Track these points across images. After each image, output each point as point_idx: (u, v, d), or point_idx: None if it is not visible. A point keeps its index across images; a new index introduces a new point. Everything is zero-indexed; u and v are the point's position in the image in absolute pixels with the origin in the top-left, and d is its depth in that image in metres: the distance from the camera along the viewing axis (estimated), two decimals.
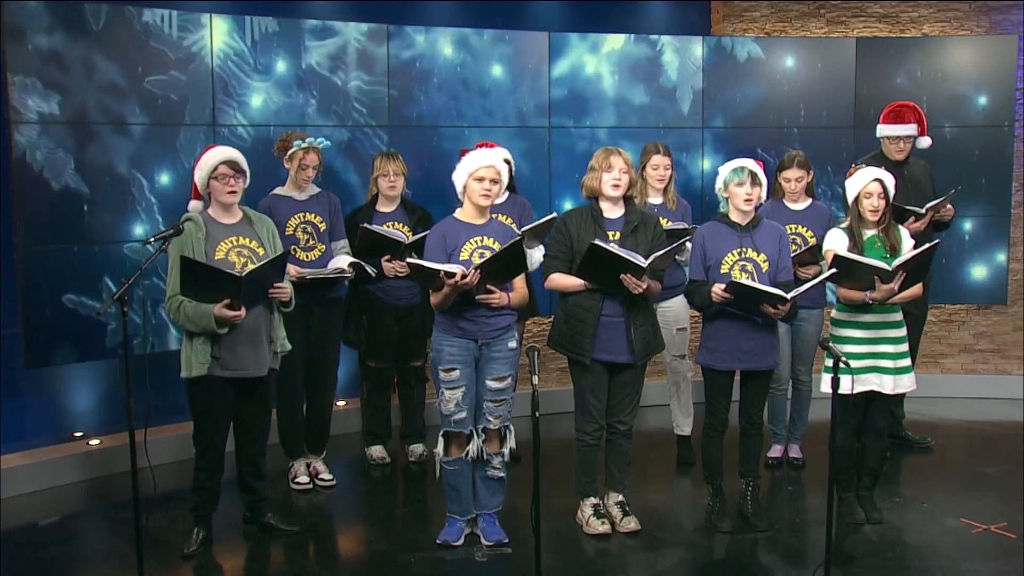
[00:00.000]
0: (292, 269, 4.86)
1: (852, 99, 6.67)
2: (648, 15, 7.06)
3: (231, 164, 4.20)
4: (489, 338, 4.25)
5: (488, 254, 4.16)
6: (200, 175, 4.23)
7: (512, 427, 4.39)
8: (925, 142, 5.62)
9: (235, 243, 4.19)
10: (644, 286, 4.21)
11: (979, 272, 6.72)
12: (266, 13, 5.72)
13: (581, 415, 4.47)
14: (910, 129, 5.50)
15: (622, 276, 4.17)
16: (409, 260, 4.27)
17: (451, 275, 4.01)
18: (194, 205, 4.39)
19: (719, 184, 4.48)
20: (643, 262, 4.15)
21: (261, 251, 4.23)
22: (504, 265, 4.14)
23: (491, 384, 4.28)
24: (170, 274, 4.12)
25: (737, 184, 4.37)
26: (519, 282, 4.31)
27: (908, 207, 5.23)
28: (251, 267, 4.09)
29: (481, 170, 4.19)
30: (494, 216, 4.46)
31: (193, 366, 4.12)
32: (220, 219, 4.22)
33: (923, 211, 5.26)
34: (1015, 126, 6.73)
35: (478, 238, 4.23)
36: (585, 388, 4.41)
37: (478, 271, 4.05)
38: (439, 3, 6.54)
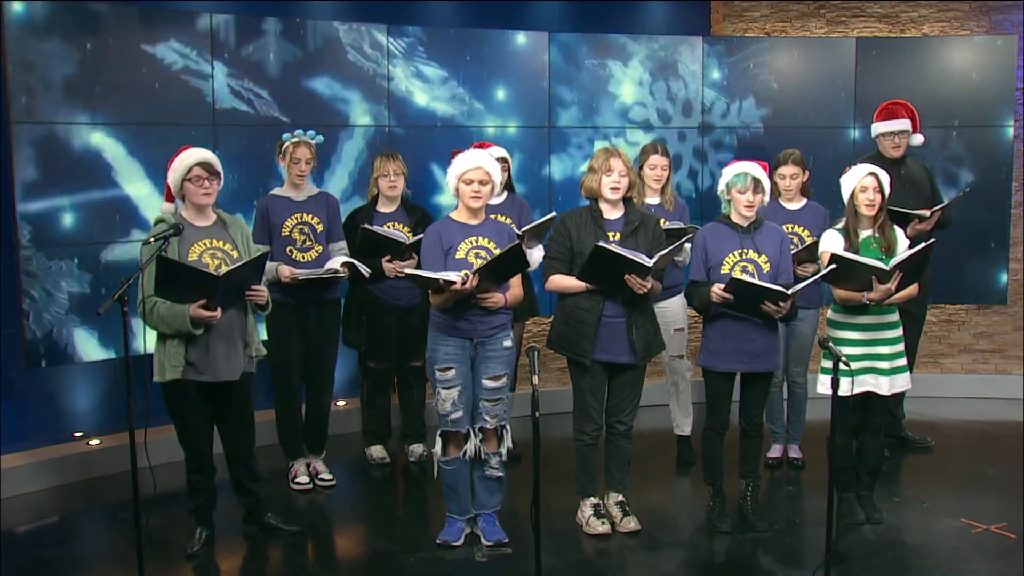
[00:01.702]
0: (285, 270, 4.87)
1: (852, 99, 6.67)
2: (648, 15, 7.06)
3: (205, 166, 4.14)
4: (484, 337, 4.25)
5: (484, 254, 4.17)
6: (174, 177, 4.16)
7: (508, 426, 4.39)
8: (918, 139, 5.62)
9: (208, 245, 4.15)
10: (648, 286, 4.21)
11: (979, 272, 6.71)
12: (267, 13, 5.73)
13: (580, 415, 4.47)
14: (904, 124, 5.49)
15: (627, 277, 4.17)
16: (407, 271, 4.28)
17: (451, 282, 4.01)
18: (166, 207, 4.32)
19: (721, 186, 4.47)
20: (648, 262, 4.14)
21: (235, 254, 4.19)
22: (504, 267, 4.13)
23: (487, 383, 4.28)
24: (145, 276, 4.03)
25: (739, 191, 4.36)
26: (514, 280, 4.30)
27: (912, 211, 5.22)
28: (226, 268, 4.05)
29: (469, 173, 4.18)
30: (491, 216, 4.45)
31: (166, 370, 4.07)
32: (194, 221, 4.17)
33: (928, 214, 5.25)
34: (1015, 126, 6.72)
35: (473, 238, 4.22)
36: (585, 389, 4.41)
37: (477, 275, 4.04)
38: (439, 3, 6.54)
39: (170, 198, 4.30)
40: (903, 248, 4.39)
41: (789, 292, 4.19)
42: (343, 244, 5.15)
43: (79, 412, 5.59)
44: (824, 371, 4.24)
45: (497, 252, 4.18)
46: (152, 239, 4.01)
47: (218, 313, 4.01)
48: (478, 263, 4.16)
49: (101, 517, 4.95)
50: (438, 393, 4.27)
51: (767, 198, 4.44)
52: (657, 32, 6.75)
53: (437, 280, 4.04)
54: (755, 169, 4.39)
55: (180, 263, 3.97)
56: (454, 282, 4.00)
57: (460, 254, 4.19)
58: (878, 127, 5.57)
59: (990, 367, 7.11)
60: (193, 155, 4.17)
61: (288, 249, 4.95)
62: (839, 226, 4.48)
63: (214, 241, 4.17)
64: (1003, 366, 7.09)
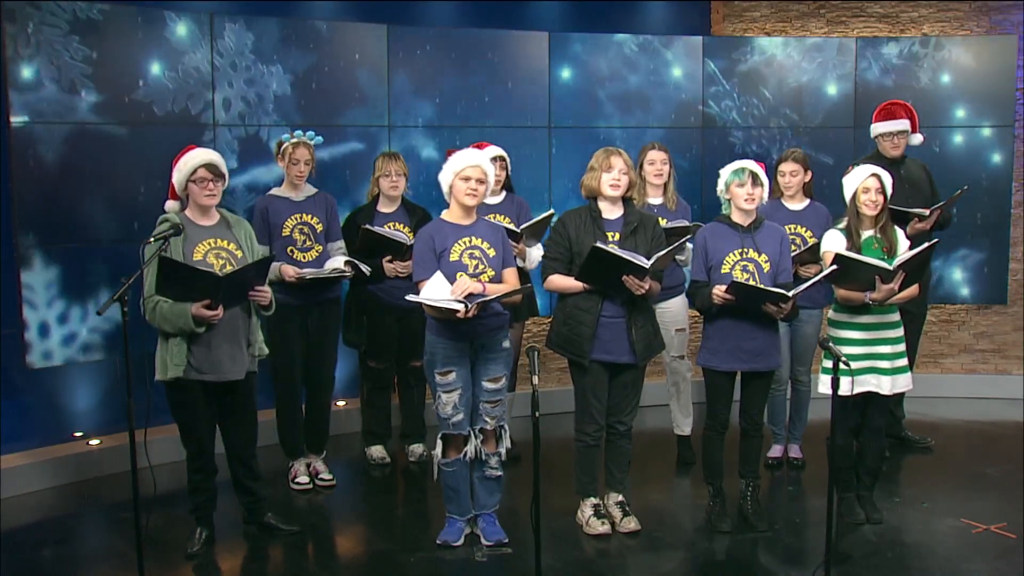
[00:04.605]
0: (291, 270, 4.87)
1: (852, 99, 6.67)
2: (648, 15, 7.06)
3: (210, 167, 4.12)
4: (484, 338, 4.25)
5: (478, 254, 4.18)
6: (178, 177, 4.15)
7: (507, 426, 4.40)
8: (917, 139, 5.62)
9: (213, 245, 4.13)
10: (646, 287, 4.20)
11: (979, 272, 6.72)
12: (267, 13, 5.72)
13: (581, 416, 4.47)
14: (903, 124, 5.50)
15: (624, 278, 4.17)
16: (409, 297, 4.19)
17: (454, 311, 3.98)
18: (171, 206, 4.28)
19: (720, 186, 4.48)
20: (646, 263, 4.14)
21: (240, 253, 4.18)
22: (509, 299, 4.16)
23: (487, 385, 4.28)
24: (147, 275, 4.01)
25: (738, 185, 4.37)
26: (512, 278, 4.30)
27: (911, 210, 5.22)
28: (230, 268, 4.04)
29: (467, 170, 4.17)
30: (488, 216, 4.45)
31: (168, 368, 4.06)
32: (198, 221, 4.16)
33: (927, 212, 5.25)
34: (1015, 126, 6.73)
35: (466, 239, 4.21)
36: (586, 389, 4.41)
37: (477, 307, 4.01)
38: (439, 3, 6.54)
39: (175, 196, 4.27)
40: (904, 249, 4.39)
41: (790, 294, 4.19)
42: (341, 244, 5.15)
43: (79, 412, 5.58)
44: (825, 371, 4.24)
45: (496, 261, 4.20)
46: (153, 239, 3.99)
47: (220, 312, 4.00)
48: (472, 263, 4.16)
49: (101, 517, 4.94)
50: (438, 396, 4.25)
51: (766, 194, 4.45)
52: (657, 32, 6.75)
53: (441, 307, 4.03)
54: (751, 164, 4.41)
55: (183, 263, 3.95)
56: (457, 311, 3.98)
57: (454, 256, 4.18)
58: (877, 127, 5.58)
59: (990, 367, 7.11)
60: (198, 156, 4.14)
61: (289, 249, 4.95)
62: (841, 226, 4.48)
63: (218, 241, 4.16)
64: (1003, 366, 7.09)
